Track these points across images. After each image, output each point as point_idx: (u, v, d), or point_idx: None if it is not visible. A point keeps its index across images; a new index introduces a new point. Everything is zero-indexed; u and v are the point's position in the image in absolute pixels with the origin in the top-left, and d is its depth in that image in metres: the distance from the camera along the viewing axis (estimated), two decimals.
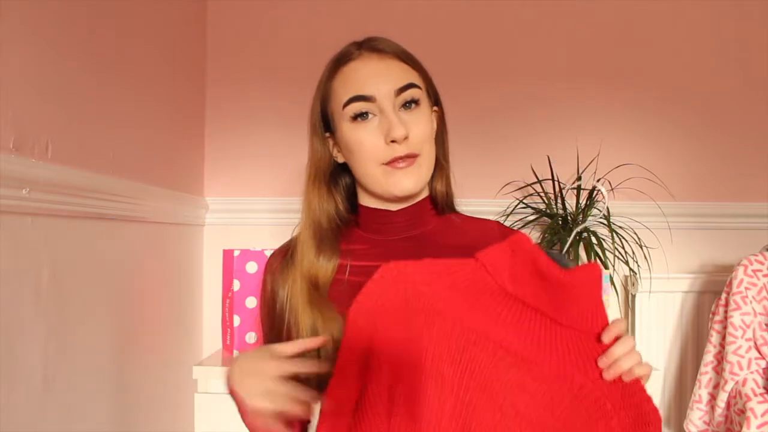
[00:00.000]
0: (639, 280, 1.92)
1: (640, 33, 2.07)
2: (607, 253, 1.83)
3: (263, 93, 2.03)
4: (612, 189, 1.97)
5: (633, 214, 1.97)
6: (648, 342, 2.00)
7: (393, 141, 0.88)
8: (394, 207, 0.96)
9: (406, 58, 0.95)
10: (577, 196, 1.92)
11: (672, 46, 2.07)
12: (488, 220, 1.04)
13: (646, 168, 2.01)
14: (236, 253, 1.73)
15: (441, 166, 1.00)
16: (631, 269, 1.90)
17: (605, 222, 1.86)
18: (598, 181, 1.94)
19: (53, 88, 1.18)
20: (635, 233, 1.93)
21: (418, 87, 0.93)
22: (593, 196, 1.90)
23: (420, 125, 0.91)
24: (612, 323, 0.80)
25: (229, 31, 2.05)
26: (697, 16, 2.08)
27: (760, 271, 1.68)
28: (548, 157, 1.96)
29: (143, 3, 1.57)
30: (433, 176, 0.98)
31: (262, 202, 2.02)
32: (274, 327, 0.96)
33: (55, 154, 1.16)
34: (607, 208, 1.90)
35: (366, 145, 0.90)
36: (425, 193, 0.98)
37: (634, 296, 1.97)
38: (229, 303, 1.77)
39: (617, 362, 0.78)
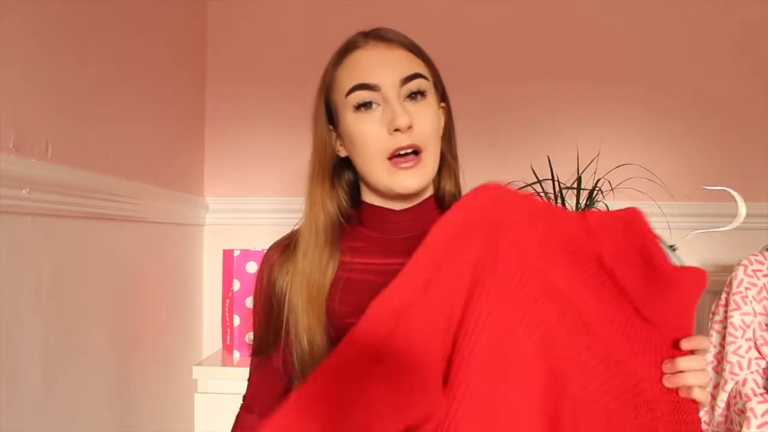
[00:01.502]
0: None
1: (640, 33, 2.07)
2: None
3: (263, 93, 2.03)
4: (612, 189, 1.97)
5: None
6: None
7: (396, 130, 0.84)
8: (397, 206, 0.92)
9: (413, 48, 0.91)
10: (577, 196, 1.92)
11: (672, 46, 2.07)
12: None
13: (646, 168, 2.01)
14: (236, 253, 1.73)
15: (448, 164, 0.96)
16: None
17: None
18: (598, 181, 1.94)
19: (53, 88, 1.18)
20: None
21: (425, 78, 0.90)
22: (593, 196, 1.90)
23: (426, 118, 0.87)
24: (696, 336, 0.76)
25: (229, 31, 2.05)
26: (698, 15, 2.08)
27: (760, 271, 1.67)
28: (548, 157, 1.96)
29: (143, 3, 1.57)
30: (440, 175, 0.94)
31: (262, 202, 2.02)
32: (270, 322, 0.94)
33: (55, 154, 1.16)
34: (607, 207, 1.89)
35: (368, 135, 0.86)
36: (430, 192, 0.95)
37: None
38: (229, 303, 1.77)
39: (683, 374, 0.75)
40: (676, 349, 0.76)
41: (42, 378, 1.12)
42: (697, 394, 0.75)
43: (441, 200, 0.96)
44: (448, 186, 0.96)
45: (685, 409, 0.75)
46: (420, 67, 0.90)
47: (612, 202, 1.92)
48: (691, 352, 0.77)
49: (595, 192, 1.90)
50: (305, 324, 0.88)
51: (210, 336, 2.01)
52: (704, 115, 2.07)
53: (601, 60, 2.07)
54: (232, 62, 2.04)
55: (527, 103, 2.06)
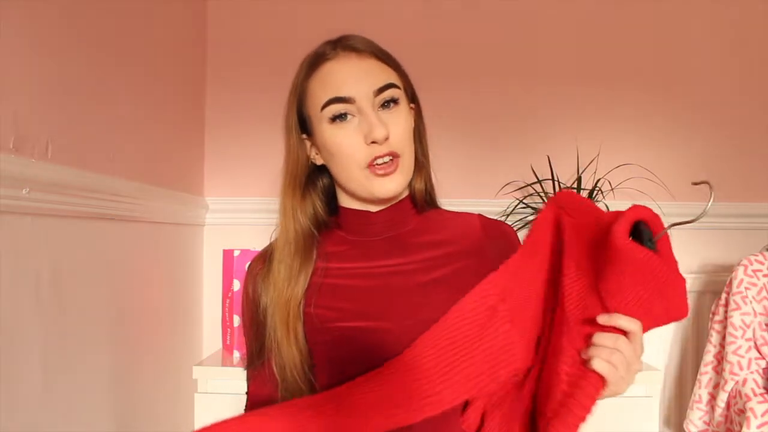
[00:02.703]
0: None
1: (640, 33, 2.07)
2: None
3: (263, 93, 2.03)
4: (612, 189, 1.97)
5: None
6: (648, 342, 1.99)
7: (373, 142, 0.86)
8: (374, 208, 0.94)
9: (383, 56, 0.92)
10: None
11: (672, 46, 2.07)
12: (470, 213, 1.01)
13: (646, 168, 2.01)
14: (236, 253, 1.73)
15: (420, 164, 0.97)
16: None
17: None
18: (598, 181, 1.94)
19: (53, 88, 1.18)
20: None
21: (397, 86, 0.91)
22: (593, 196, 1.90)
23: (400, 125, 0.89)
24: (614, 315, 0.78)
25: (229, 31, 2.05)
26: (698, 15, 2.08)
27: (760, 271, 1.68)
28: (548, 157, 1.96)
29: (143, 3, 1.57)
30: (413, 174, 0.96)
31: (262, 202, 2.02)
32: (258, 336, 0.95)
33: (55, 154, 1.16)
34: (607, 207, 1.89)
35: (345, 147, 0.88)
36: (405, 193, 0.97)
37: None
38: (229, 303, 1.77)
39: (590, 347, 0.77)
40: (600, 326, 0.79)
41: (42, 378, 1.12)
42: (595, 364, 0.76)
43: (414, 198, 0.98)
44: (419, 185, 0.98)
45: (583, 380, 0.77)
46: (391, 76, 0.91)
47: (612, 202, 1.92)
48: (625, 334, 0.78)
49: (595, 192, 1.90)
50: (282, 337, 0.90)
51: (210, 336, 2.01)
52: (704, 115, 2.07)
53: (601, 60, 2.07)
54: (231, 62, 2.04)
55: (527, 103, 2.06)
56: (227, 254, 1.78)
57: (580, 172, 1.97)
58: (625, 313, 0.78)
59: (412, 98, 0.99)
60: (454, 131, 2.04)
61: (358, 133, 0.88)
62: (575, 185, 1.93)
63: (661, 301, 0.78)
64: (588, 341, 0.79)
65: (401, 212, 0.95)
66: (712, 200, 0.79)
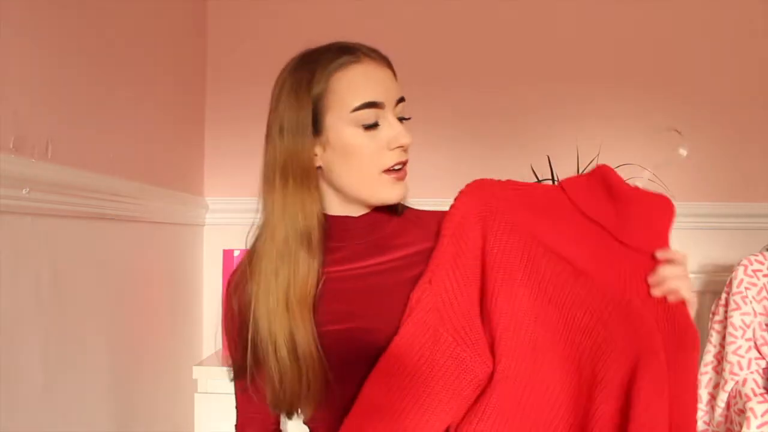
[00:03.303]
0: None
1: (640, 33, 2.07)
2: None
3: (263, 93, 2.02)
4: None
5: None
6: None
7: (399, 147, 0.89)
8: (355, 213, 0.95)
9: (394, 70, 0.95)
10: None
11: (673, 45, 2.07)
12: (444, 211, 1.00)
13: (646, 168, 2.01)
14: (236, 253, 1.73)
15: None
16: None
17: None
18: None
19: (53, 88, 1.18)
20: None
21: (405, 101, 0.94)
22: None
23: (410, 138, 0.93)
24: (671, 248, 0.84)
25: (229, 31, 2.05)
26: (698, 15, 2.08)
27: (760, 271, 1.67)
28: (548, 157, 1.96)
29: (143, 3, 1.57)
30: None
31: None
32: (247, 345, 0.93)
33: (55, 154, 1.16)
34: None
35: (368, 151, 0.89)
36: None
37: None
38: None
39: (665, 281, 0.81)
40: (655, 262, 0.85)
41: (42, 378, 1.12)
42: (685, 293, 0.81)
43: (392, 207, 0.99)
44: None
45: (677, 313, 0.82)
46: (401, 90, 0.94)
47: None
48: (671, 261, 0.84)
49: None
50: (287, 331, 0.88)
51: (210, 336, 2.01)
52: (704, 115, 2.07)
53: (601, 60, 2.07)
54: (232, 62, 2.04)
55: (527, 103, 2.06)
56: (227, 254, 1.78)
57: (580, 172, 1.97)
58: (658, 245, 0.86)
59: None
60: (454, 131, 2.04)
61: (382, 138, 0.89)
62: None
63: (663, 221, 0.89)
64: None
65: (381, 216, 0.97)
66: (684, 150, 0.97)
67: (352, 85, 0.88)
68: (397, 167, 0.90)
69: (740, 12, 2.07)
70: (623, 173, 2.14)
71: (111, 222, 1.38)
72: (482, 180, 0.94)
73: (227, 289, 0.99)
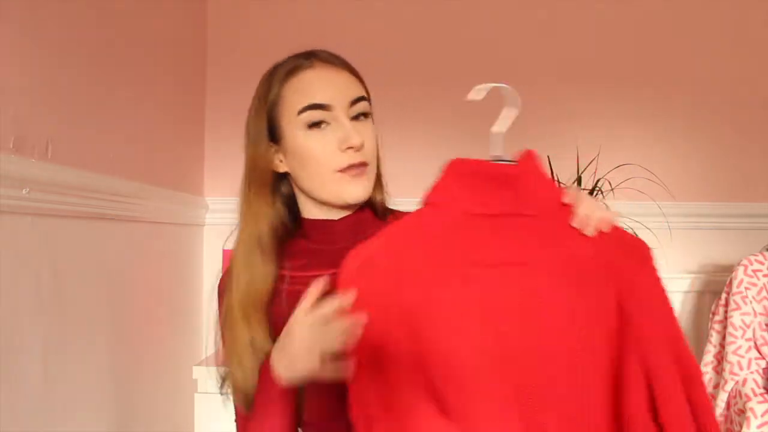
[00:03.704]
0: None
1: (640, 34, 2.07)
2: None
3: None
4: (612, 189, 1.97)
5: (633, 214, 1.97)
6: None
7: (349, 148, 0.90)
8: (336, 216, 0.96)
9: (353, 71, 0.96)
10: None
11: (672, 46, 2.07)
12: None
13: (646, 168, 2.01)
14: None
15: (379, 177, 1.00)
16: None
17: None
18: (598, 181, 1.94)
19: (53, 88, 1.18)
20: (635, 233, 1.92)
21: (368, 100, 0.95)
22: (593, 196, 1.90)
23: (370, 137, 0.93)
24: (566, 189, 0.83)
25: (229, 31, 2.05)
26: (698, 16, 2.08)
27: (760, 271, 1.67)
28: (548, 157, 1.96)
29: (143, 4, 1.57)
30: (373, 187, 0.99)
31: None
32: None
33: (55, 154, 1.16)
34: (607, 207, 1.90)
35: (320, 152, 0.90)
36: (365, 203, 0.99)
37: None
38: None
39: (589, 216, 0.79)
40: (568, 209, 0.81)
41: (42, 378, 1.12)
42: (609, 217, 0.80)
43: (374, 209, 1.00)
44: (379, 196, 1.01)
45: (618, 234, 0.80)
46: (362, 90, 0.95)
47: (612, 202, 1.93)
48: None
49: (595, 192, 1.90)
50: (246, 338, 0.91)
51: (210, 336, 2.00)
52: (704, 115, 2.07)
53: (601, 60, 2.07)
54: (232, 62, 2.04)
55: (527, 103, 2.05)
56: (227, 254, 1.78)
57: (580, 172, 1.97)
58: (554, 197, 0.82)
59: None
60: (454, 131, 2.04)
61: (332, 139, 0.90)
62: (575, 185, 1.93)
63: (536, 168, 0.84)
64: None
65: (363, 220, 0.97)
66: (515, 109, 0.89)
67: (300, 89, 0.92)
68: (351, 168, 0.91)
69: (740, 12, 2.07)
70: (623, 173, 2.15)
71: (111, 222, 1.38)
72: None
73: (218, 293, 1.02)
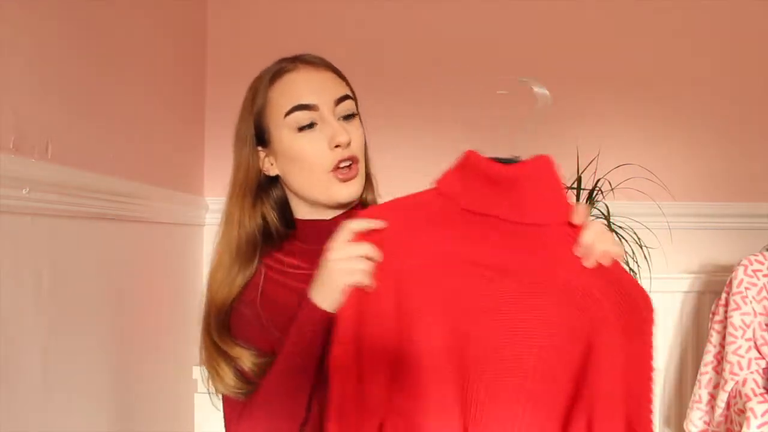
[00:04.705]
0: (639, 280, 1.92)
1: (640, 34, 2.07)
2: None
3: None
4: (612, 189, 1.97)
5: (633, 214, 1.97)
6: None
7: (337, 146, 0.91)
8: (328, 215, 0.97)
9: (337, 71, 0.98)
10: (577, 197, 1.92)
11: (673, 46, 2.07)
12: None
13: (646, 168, 2.01)
14: None
15: (369, 176, 1.02)
16: (631, 269, 1.90)
17: (605, 222, 1.86)
18: (598, 181, 1.94)
19: (53, 88, 1.18)
20: (635, 233, 1.92)
21: (353, 99, 0.97)
22: (593, 196, 1.90)
23: (358, 136, 0.95)
24: (576, 207, 0.79)
25: (229, 31, 2.05)
26: (698, 16, 2.08)
27: (760, 271, 1.68)
28: None
29: (143, 3, 1.57)
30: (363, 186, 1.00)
31: None
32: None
33: (55, 154, 1.16)
34: (607, 207, 1.90)
35: (310, 153, 0.92)
36: (356, 201, 1.00)
37: None
38: None
39: (592, 248, 0.76)
40: (575, 228, 0.78)
41: (42, 378, 1.12)
42: (615, 250, 0.77)
43: (364, 204, 1.01)
44: (370, 196, 1.03)
45: (617, 276, 0.76)
46: (347, 89, 0.97)
47: (612, 202, 1.93)
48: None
49: (595, 192, 1.91)
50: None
51: None
52: (704, 115, 2.07)
53: (601, 61, 2.07)
54: (232, 62, 2.04)
55: (527, 103, 2.06)
56: None
57: (580, 172, 1.97)
58: (562, 211, 0.79)
59: None
60: (454, 131, 2.04)
61: (321, 139, 0.92)
62: (575, 185, 1.93)
63: (552, 182, 0.81)
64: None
65: (354, 217, 0.97)
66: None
67: (285, 91, 0.94)
68: (342, 165, 0.92)
69: (740, 12, 2.07)
70: (623, 173, 2.15)
71: (111, 222, 1.38)
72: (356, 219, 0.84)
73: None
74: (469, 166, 0.81)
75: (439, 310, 0.75)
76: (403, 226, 0.80)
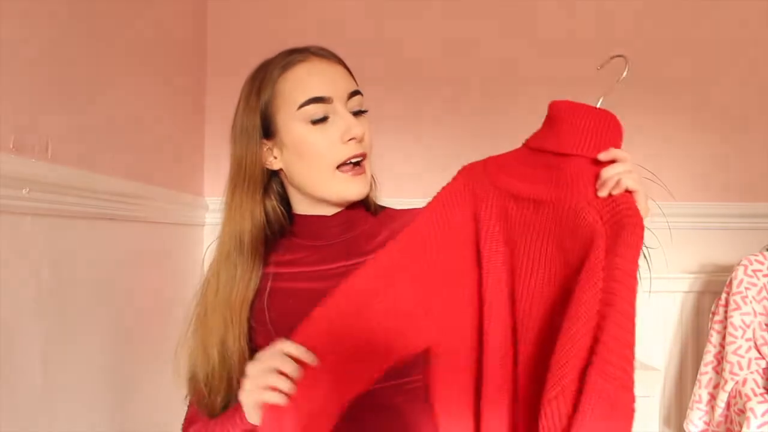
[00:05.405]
0: (639, 280, 1.92)
1: (640, 33, 2.07)
2: None
3: None
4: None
5: None
6: (648, 342, 1.99)
7: (351, 139, 0.89)
8: (329, 212, 0.95)
9: (346, 66, 0.95)
10: None
11: (672, 46, 2.07)
12: (418, 208, 1.00)
13: (646, 168, 2.01)
14: None
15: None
16: None
17: None
18: None
19: (53, 87, 1.18)
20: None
21: (362, 95, 0.94)
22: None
23: (368, 131, 0.93)
24: (612, 149, 0.79)
25: (229, 30, 2.05)
26: (697, 16, 2.08)
27: (760, 271, 1.68)
28: None
29: (143, 3, 1.57)
30: None
31: None
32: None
33: (55, 154, 1.16)
34: None
35: (322, 146, 0.89)
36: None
37: None
38: None
39: (607, 180, 0.76)
40: (599, 166, 0.80)
41: (42, 378, 1.12)
42: (628, 184, 0.75)
43: (366, 204, 0.99)
44: (371, 192, 1.00)
45: (618, 201, 0.76)
46: (356, 85, 0.94)
47: None
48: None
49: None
50: (219, 336, 0.91)
51: None
52: (704, 115, 2.07)
53: (601, 60, 2.07)
54: (232, 61, 2.04)
55: (527, 103, 2.06)
56: None
57: None
58: (602, 148, 0.81)
59: None
60: (454, 132, 2.04)
61: (334, 132, 0.89)
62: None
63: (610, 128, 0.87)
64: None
65: (356, 214, 0.96)
66: (626, 72, 0.90)
67: (298, 83, 0.90)
68: (353, 161, 0.90)
69: (740, 12, 2.07)
70: None
71: (111, 222, 1.38)
72: (470, 164, 0.96)
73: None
74: (548, 113, 0.90)
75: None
76: (498, 169, 0.91)
